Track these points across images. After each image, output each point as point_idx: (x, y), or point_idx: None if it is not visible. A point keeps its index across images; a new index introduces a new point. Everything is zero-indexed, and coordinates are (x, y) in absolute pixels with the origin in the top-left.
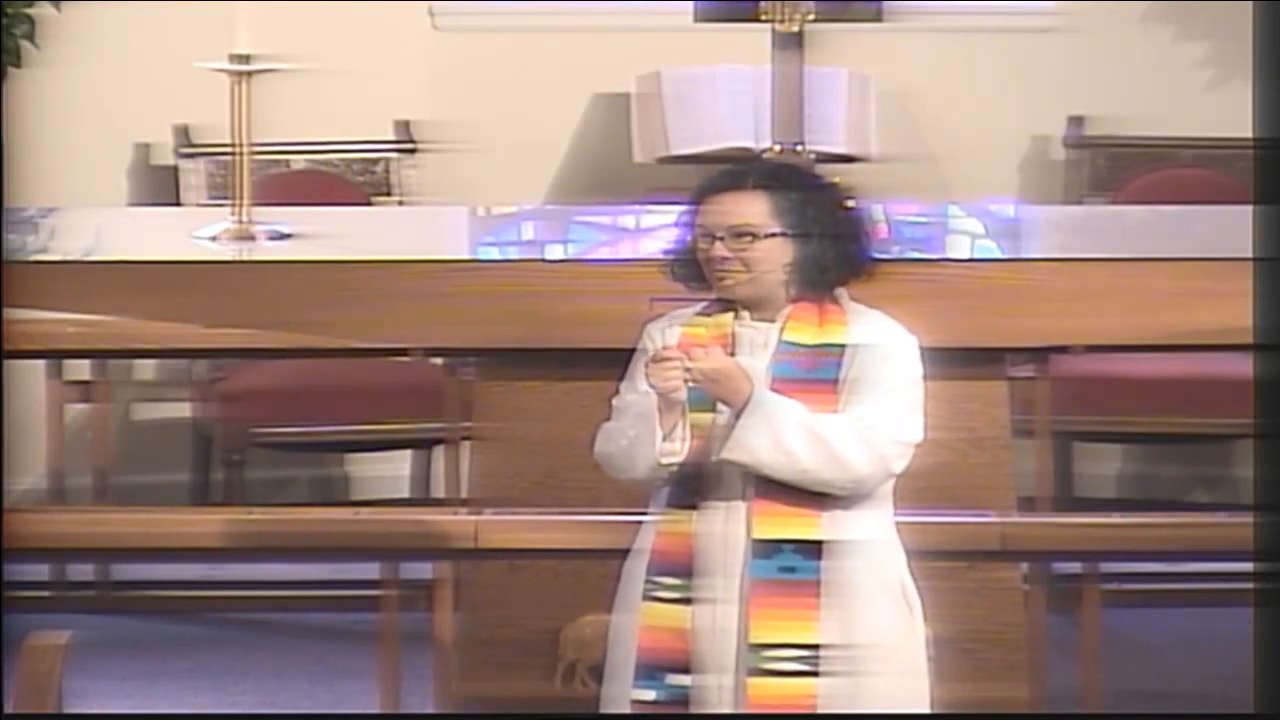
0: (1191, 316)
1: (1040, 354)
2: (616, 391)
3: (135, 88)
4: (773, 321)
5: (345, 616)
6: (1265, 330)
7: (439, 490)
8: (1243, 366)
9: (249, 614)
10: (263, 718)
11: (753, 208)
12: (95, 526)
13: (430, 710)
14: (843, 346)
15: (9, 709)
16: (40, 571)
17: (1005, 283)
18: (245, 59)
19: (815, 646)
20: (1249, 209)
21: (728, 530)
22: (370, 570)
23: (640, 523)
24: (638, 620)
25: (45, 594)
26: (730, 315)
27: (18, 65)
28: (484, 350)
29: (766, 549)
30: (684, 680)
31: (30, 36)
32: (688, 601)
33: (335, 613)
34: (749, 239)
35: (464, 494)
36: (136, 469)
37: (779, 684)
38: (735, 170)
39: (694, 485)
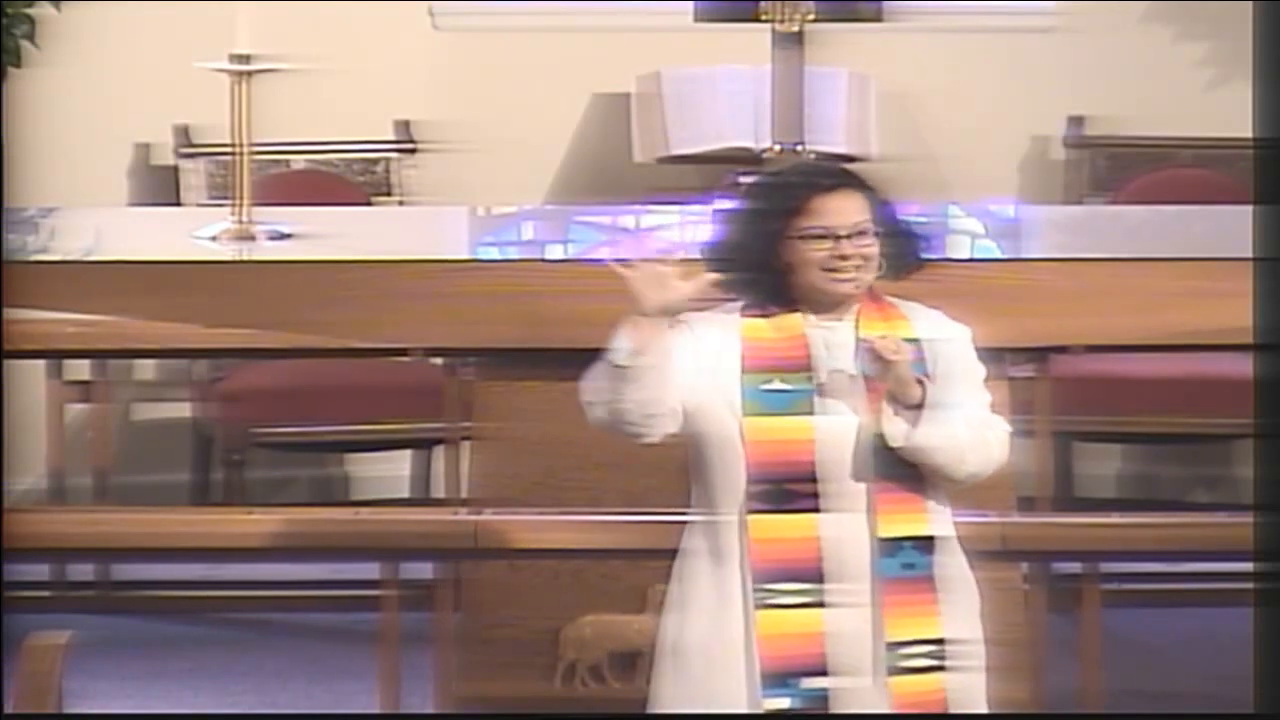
0: (1191, 316)
1: (1040, 354)
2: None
3: (135, 88)
4: (841, 319)
5: (345, 616)
6: (1265, 330)
7: (439, 490)
8: (1243, 366)
9: (249, 614)
10: (263, 718)
11: (862, 205)
12: (95, 526)
13: (430, 710)
14: (917, 341)
15: (9, 709)
16: (40, 571)
17: (1005, 283)
18: (245, 59)
19: (940, 641)
20: (1249, 209)
21: (852, 532)
22: (370, 570)
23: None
24: (752, 629)
25: (45, 594)
26: (797, 316)
27: (18, 65)
28: (484, 350)
29: (890, 547)
30: (822, 684)
31: (30, 36)
32: (818, 605)
33: (335, 613)
34: (869, 236)
35: (464, 494)
36: (136, 469)
37: (916, 681)
38: (829, 169)
39: (798, 490)
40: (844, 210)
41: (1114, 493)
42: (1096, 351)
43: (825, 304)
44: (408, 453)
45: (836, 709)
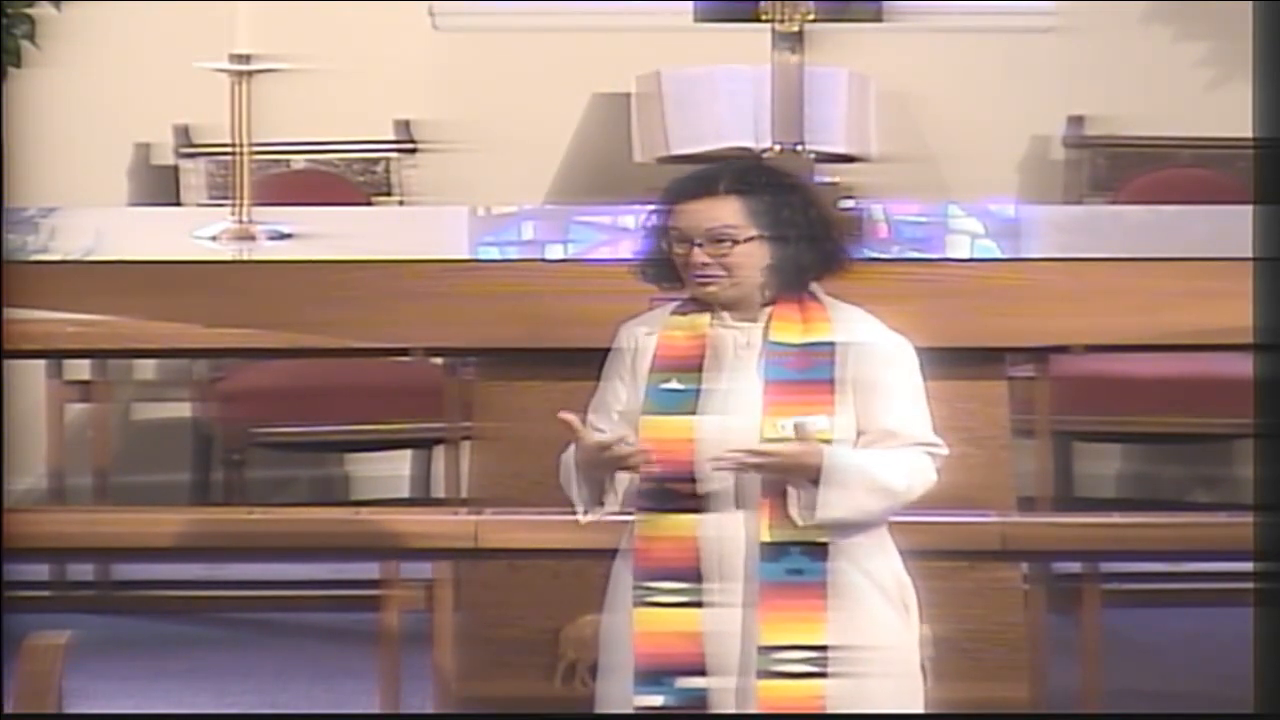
0: (1191, 316)
1: (1040, 354)
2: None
3: (135, 88)
4: (754, 321)
5: (345, 616)
6: (1265, 330)
7: (439, 490)
8: (1243, 366)
9: (249, 614)
10: (263, 718)
11: (727, 211)
12: (95, 526)
13: (430, 710)
14: (831, 345)
15: (9, 709)
16: (40, 571)
17: (1005, 283)
18: (245, 59)
19: (823, 648)
20: (1249, 209)
21: (731, 534)
22: (370, 570)
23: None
24: (633, 624)
25: (45, 594)
26: (707, 316)
27: (18, 65)
28: (484, 350)
29: (774, 551)
30: (697, 684)
31: (30, 36)
32: (695, 605)
33: (335, 613)
34: (727, 244)
35: (464, 494)
36: (136, 469)
37: (788, 686)
38: (706, 174)
39: (677, 490)
40: (703, 215)
41: (1114, 493)
42: (1096, 351)
43: (737, 306)
44: (408, 453)
45: (711, 709)
